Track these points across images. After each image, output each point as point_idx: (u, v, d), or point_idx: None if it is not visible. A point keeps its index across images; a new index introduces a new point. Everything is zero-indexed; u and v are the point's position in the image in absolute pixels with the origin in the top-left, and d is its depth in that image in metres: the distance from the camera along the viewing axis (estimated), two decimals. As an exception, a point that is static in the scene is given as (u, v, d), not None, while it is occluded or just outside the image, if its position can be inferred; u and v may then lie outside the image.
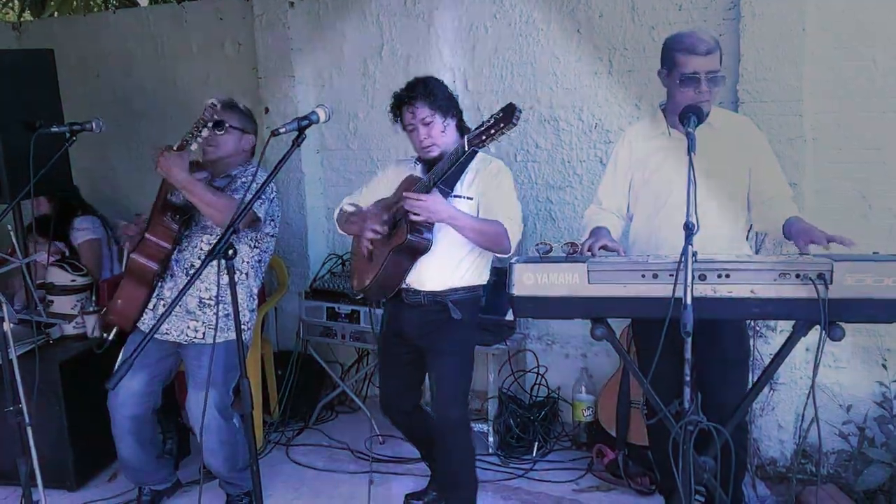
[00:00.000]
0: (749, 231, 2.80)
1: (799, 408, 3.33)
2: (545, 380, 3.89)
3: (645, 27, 3.47)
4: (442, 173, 2.52)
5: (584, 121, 3.69)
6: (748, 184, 2.64)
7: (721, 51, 2.57)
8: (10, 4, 6.14)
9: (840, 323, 2.04)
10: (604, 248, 2.42)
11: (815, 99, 3.14)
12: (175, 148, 2.70)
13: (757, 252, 3.12)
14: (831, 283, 1.99)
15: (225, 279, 2.90)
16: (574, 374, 3.78)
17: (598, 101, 3.64)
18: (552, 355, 3.93)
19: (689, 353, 1.98)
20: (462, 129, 2.73)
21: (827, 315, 1.97)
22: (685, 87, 2.53)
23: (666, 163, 2.63)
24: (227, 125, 2.93)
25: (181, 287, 2.85)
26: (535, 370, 3.90)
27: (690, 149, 2.19)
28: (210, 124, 2.79)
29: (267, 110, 4.34)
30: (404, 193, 2.55)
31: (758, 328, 3.24)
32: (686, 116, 2.36)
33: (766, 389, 3.31)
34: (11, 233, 2.43)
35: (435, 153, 2.66)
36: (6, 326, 2.51)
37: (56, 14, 5.78)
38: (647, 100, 3.47)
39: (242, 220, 2.71)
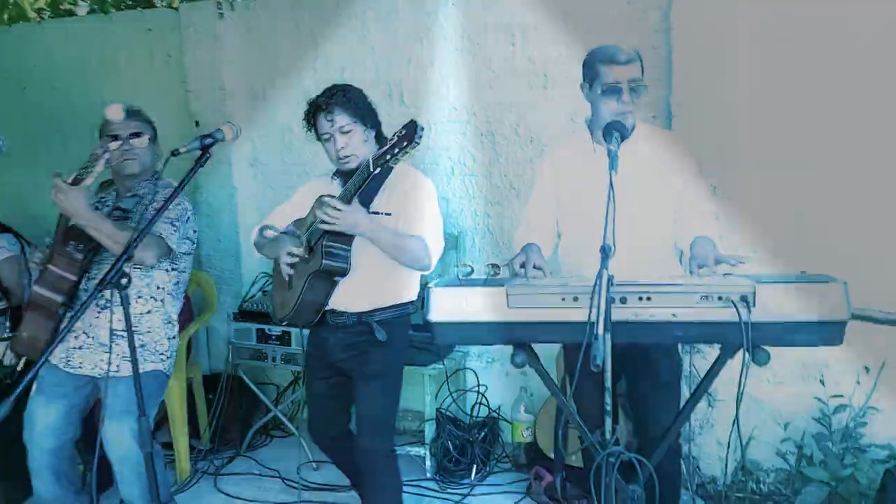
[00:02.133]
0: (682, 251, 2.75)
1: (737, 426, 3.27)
2: (486, 399, 3.80)
3: (578, 39, 3.39)
4: (354, 190, 2.40)
5: (521, 135, 3.63)
6: (674, 201, 2.58)
7: (642, 61, 2.52)
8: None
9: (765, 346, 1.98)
10: (533, 266, 2.34)
11: (749, 112, 3.11)
12: (70, 182, 2.52)
13: (691, 273, 3.06)
14: (754, 305, 1.92)
15: (139, 308, 2.79)
16: (514, 393, 3.69)
17: (534, 114, 3.58)
18: (492, 374, 3.84)
19: (610, 382, 1.89)
20: (382, 142, 2.60)
21: (750, 339, 1.90)
22: (607, 98, 2.49)
23: (591, 180, 2.55)
24: (146, 135, 2.79)
25: (86, 316, 2.70)
26: (476, 389, 3.80)
27: (611, 167, 2.13)
28: (121, 139, 2.66)
29: (197, 124, 4.20)
30: (324, 202, 2.40)
31: (694, 344, 3.19)
32: (608, 133, 2.29)
33: (704, 406, 3.26)
34: None
35: (353, 164, 2.53)
36: None
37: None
38: (581, 113, 3.34)
39: (150, 253, 2.57)
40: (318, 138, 2.61)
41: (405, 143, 2.23)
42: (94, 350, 2.77)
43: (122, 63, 4.47)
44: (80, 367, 2.78)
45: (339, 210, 2.36)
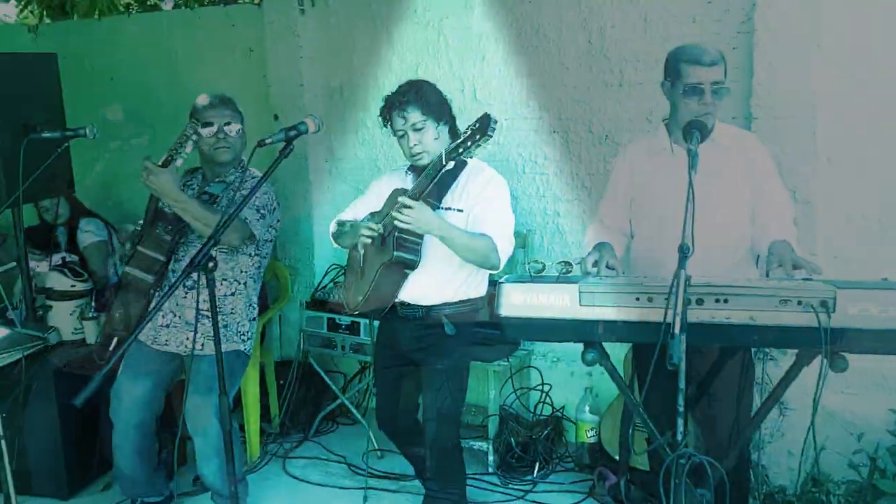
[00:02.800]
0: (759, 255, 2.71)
1: (810, 434, 3.19)
2: (549, 398, 3.80)
3: (657, 39, 3.37)
4: (426, 186, 2.43)
5: (594, 133, 3.61)
6: (753, 203, 2.54)
7: (726, 63, 2.49)
8: (31, 8, 6.17)
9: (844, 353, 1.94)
10: (606, 265, 2.34)
11: (830, 116, 3.03)
12: (160, 163, 2.64)
13: (767, 275, 3.01)
14: (834, 311, 1.89)
15: (224, 290, 2.91)
16: (579, 394, 3.68)
17: (608, 113, 3.55)
18: (557, 373, 3.84)
19: (683, 384, 1.88)
20: (456, 136, 2.62)
21: (829, 345, 1.87)
22: (689, 98, 2.47)
23: (668, 180, 2.54)
24: (237, 124, 2.90)
25: (173, 296, 2.82)
26: (539, 388, 3.81)
27: (691, 166, 2.12)
28: (213, 129, 2.77)
29: (276, 117, 4.31)
30: (399, 198, 2.44)
31: (766, 351, 3.12)
32: (689, 132, 2.27)
33: (775, 415, 3.19)
34: None
35: (425, 160, 2.56)
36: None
37: (75, 17, 5.81)
38: (658, 113, 3.33)
39: (236, 236, 2.67)
40: (394, 134, 2.65)
41: (478, 136, 2.25)
42: (181, 329, 2.89)
43: (206, 56, 4.61)
44: (166, 345, 2.92)
45: (410, 209, 2.38)
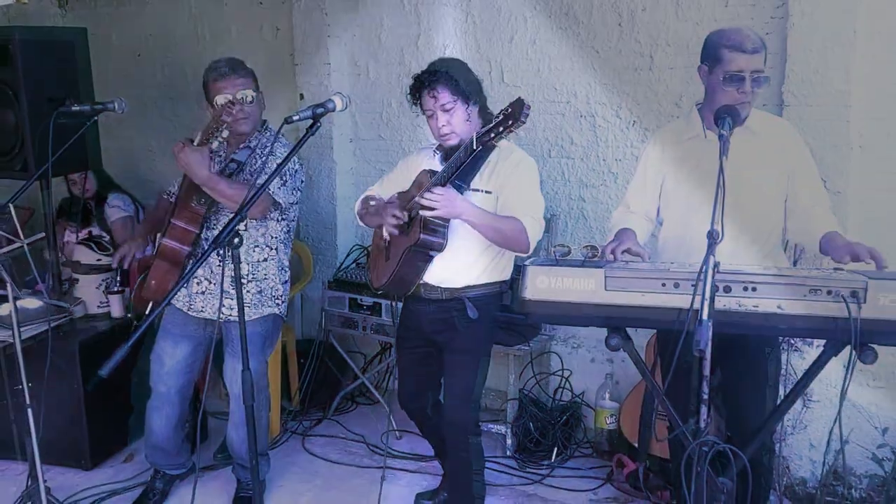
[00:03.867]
0: (787, 242, 2.67)
1: (834, 427, 3.16)
2: (569, 384, 3.79)
3: (689, 22, 3.32)
4: (455, 169, 2.42)
5: (622, 118, 3.57)
6: (786, 191, 2.50)
7: (766, 50, 2.44)
8: (62, -17, 6.21)
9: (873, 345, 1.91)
10: (627, 251, 2.32)
11: (864, 104, 2.97)
12: (196, 143, 2.68)
13: (794, 264, 2.97)
14: (864, 302, 1.85)
15: (256, 256, 2.93)
16: (599, 380, 3.67)
17: (637, 97, 3.51)
18: (577, 359, 3.82)
19: (708, 371, 1.87)
20: (486, 116, 2.59)
21: (858, 336, 1.84)
22: (728, 86, 2.41)
23: (700, 166, 2.51)
24: (254, 93, 2.90)
25: (208, 263, 2.86)
26: (559, 373, 3.80)
27: (722, 152, 2.08)
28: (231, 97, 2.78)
29: (302, 97, 4.30)
30: (425, 189, 2.45)
31: (792, 342, 3.09)
32: (720, 118, 2.23)
33: (798, 407, 3.16)
34: (13, 213, 2.41)
35: (454, 141, 2.54)
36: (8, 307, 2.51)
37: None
38: (689, 98, 3.32)
39: (258, 209, 2.69)
40: (423, 113, 2.63)
41: (510, 122, 2.23)
42: (216, 296, 2.93)
43: (234, 35, 4.61)
44: (202, 311, 2.97)
45: (438, 195, 2.37)
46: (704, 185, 2.46)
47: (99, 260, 3.50)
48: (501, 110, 2.28)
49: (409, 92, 2.63)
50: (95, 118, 2.80)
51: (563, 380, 3.79)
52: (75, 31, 3.42)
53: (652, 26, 3.40)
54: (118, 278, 3.55)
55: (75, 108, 2.78)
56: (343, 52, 4.24)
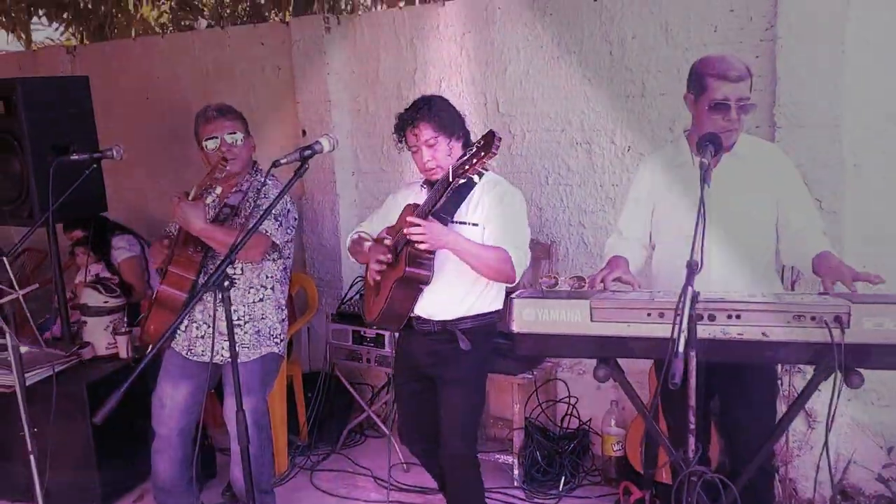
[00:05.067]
0: (783, 266, 2.67)
1: (839, 447, 3.14)
2: (576, 411, 3.78)
3: (679, 49, 3.35)
4: (434, 201, 2.46)
5: (617, 144, 3.60)
6: (776, 215, 2.51)
7: (752, 77, 2.46)
8: (72, 30, 6.39)
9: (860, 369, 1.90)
10: (618, 280, 2.34)
11: (857, 123, 2.98)
12: (190, 198, 2.74)
13: (792, 287, 2.96)
14: (848, 326, 1.85)
15: (252, 297, 2.97)
16: (606, 406, 3.65)
17: (630, 124, 3.54)
18: (584, 385, 3.81)
19: (693, 400, 1.87)
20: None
21: (843, 361, 1.84)
22: (714, 115, 2.43)
23: (689, 193, 2.52)
24: (243, 136, 2.96)
25: (206, 307, 2.91)
26: (566, 400, 3.79)
27: (703, 180, 2.10)
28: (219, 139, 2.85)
29: (304, 132, 4.38)
30: (407, 219, 2.49)
31: (794, 364, 3.07)
32: (702, 146, 2.25)
33: (803, 428, 3.14)
34: (6, 265, 2.48)
35: (439, 175, 2.59)
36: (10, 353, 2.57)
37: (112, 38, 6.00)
38: (681, 123, 3.33)
39: (256, 252, 2.74)
40: (409, 150, 2.69)
41: (483, 154, 2.27)
42: (215, 339, 2.96)
43: (237, 74, 4.70)
44: (202, 356, 3.00)
45: (419, 226, 2.42)
46: (694, 211, 2.46)
47: (106, 302, 3.55)
48: (474, 142, 2.33)
49: (393, 130, 2.68)
50: (94, 165, 2.86)
51: (570, 407, 3.79)
52: (77, 79, 3.51)
53: (642, 53, 3.44)
54: (125, 319, 3.60)
55: (74, 157, 2.86)
56: (342, 88, 4.32)
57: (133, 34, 6.16)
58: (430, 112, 2.59)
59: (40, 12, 6.12)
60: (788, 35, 3.03)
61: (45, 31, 6.89)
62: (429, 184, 2.70)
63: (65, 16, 6.20)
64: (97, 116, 3.67)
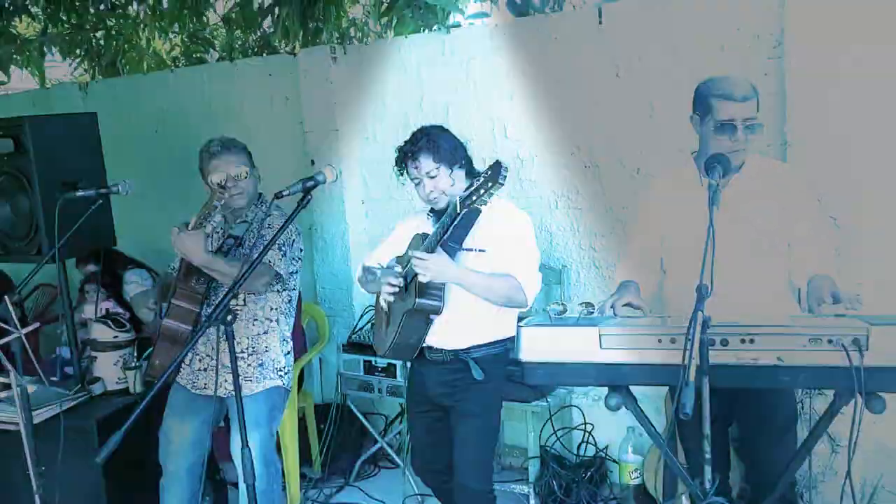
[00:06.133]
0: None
1: (865, 472, 3.04)
2: (593, 438, 3.71)
3: (685, 69, 3.31)
4: (442, 233, 2.43)
5: (626, 166, 3.56)
6: (788, 236, 2.46)
7: (758, 96, 2.42)
8: (84, 66, 6.47)
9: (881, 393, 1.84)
10: (628, 305, 2.29)
11: (869, 138, 2.92)
12: (189, 228, 2.72)
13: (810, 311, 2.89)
14: (867, 349, 1.79)
15: (256, 330, 2.95)
16: (623, 433, 3.58)
17: (639, 146, 3.50)
18: (600, 412, 3.72)
19: (707, 429, 1.81)
20: (473, 175, 2.61)
21: (863, 386, 1.78)
22: (720, 135, 2.40)
23: (698, 214, 2.46)
24: (248, 169, 2.94)
25: (209, 341, 2.88)
26: (582, 427, 3.72)
27: (712, 202, 2.06)
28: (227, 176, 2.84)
29: (313, 162, 4.38)
30: (412, 253, 2.47)
31: (815, 387, 2.99)
32: (710, 167, 2.22)
33: (827, 453, 3.05)
34: (9, 304, 2.48)
35: (442, 203, 2.58)
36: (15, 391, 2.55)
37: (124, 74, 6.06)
38: (691, 144, 3.31)
39: (261, 283, 2.72)
40: (411, 181, 2.68)
41: (490, 185, 2.25)
42: (219, 372, 2.93)
43: (246, 106, 4.72)
44: (205, 388, 2.97)
45: (424, 261, 2.40)
46: (704, 235, 2.42)
47: (116, 337, 3.53)
48: (481, 173, 2.31)
49: (395, 163, 2.67)
50: (101, 201, 2.86)
51: (587, 434, 3.71)
52: (85, 116, 3.53)
53: (649, 75, 3.41)
54: (135, 353, 3.58)
55: (80, 193, 2.86)
56: (350, 117, 4.32)
57: (145, 68, 6.21)
58: (430, 144, 2.58)
59: (53, 49, 6.19)
60: (796, 52, 3.00)
61: (59, 69, 6.99)
62: (435, 213, 2.67)
63: (77, 52, 6.27)
64: (108, 151, 3.68)
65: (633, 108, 3.48)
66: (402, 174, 2.69)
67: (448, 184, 2.57)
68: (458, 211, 2.34)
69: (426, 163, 2.57)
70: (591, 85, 3.57)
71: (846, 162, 2.94)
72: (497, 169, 2.23)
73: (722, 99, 2.39)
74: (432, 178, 2.58)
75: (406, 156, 2.63)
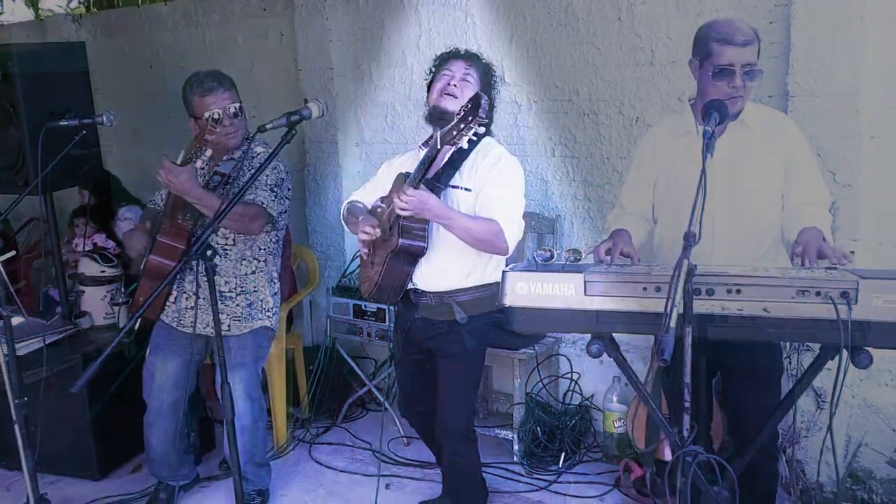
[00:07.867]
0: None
1: (850, 429, 3.05)
2: (579, 387, 3.71)
3: (690, 15, 3.21)
4: (424, 169, 2.37)
5: (625, 114, 3.48)
6: (783, 187, 2.41)
7: (760, 42, 2.35)
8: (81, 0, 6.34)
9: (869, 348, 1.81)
10: (619, 252, 2.26)
11: (874, 94, 2.85)
12: (178, 163, 2.67)
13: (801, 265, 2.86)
14: (856, 302, 1.76)
15: (244, 269, 2.92)
16: (609, 382, 3.58)
17: (639, 93, 3.42)
18: (586, 361, 3.73)
19: (688, 378, 1.79)
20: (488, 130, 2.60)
21: (850, 339, 1.75)
22: (718, 81, 2.34)
23: (693, 163, 2.40)
24: (237, 104, 2.88)
25: (201, 280, 2.84)
26: (569, 376, 3.72)
27: (706, 150, 2.01)
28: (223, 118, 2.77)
29: (305, 101, 4.24)
30: (394, 193, 2.42)
31: (802, 341, 2.98)
32: (707, 113, 2.15)
33: (812, 409, 3.05)
34: None
35: (452, 105, 2.48)
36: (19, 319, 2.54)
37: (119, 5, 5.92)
38: (692, 92, 3.23)
39: (257, 225, 2.68)
40: (434, 80, 2.64)
41: (470, 118, 2.18)
42: (205, 310, 2.90)
43: (240, 42, 4.63)
44: (191, 327, 2.94)
45: (408, 197, 2.33)
46: (697, 184, 2.38)
47: (103, 272, 3.52)
48: (461, 106, 2.24)
49: (435, 61, 2.67)
50: (84, 131, 2.81)
51: (573, 383, 3.72)
52: (74, 45, 3.45)
53: (652, 20, 3.31)
54: (123, 290, 3.57)
55: (63, 122, 2.81)
56: (345, 55, 4.22)
57: (140, 1, 6.08)
58: (482, 64, 2.63)
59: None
60: (803, 1, 2.90)
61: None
62: (427, 144, 2.60)
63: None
64: (103, 86, 3.62)
65: (634, 54, 3.39)
66: (430, 72, 2.67)
67: (469, 95, 2.43)
68: (439, 147, 2.28)
69: (472, 72, 2.58)
70: (592, 29, 3.47)
71: (850, 117, 2.86)
72: (476, 100, 2.16)
73: (722, 43, 2.32)
74: (466, 81, 2.56)
75: (460, 56, 2.62)
